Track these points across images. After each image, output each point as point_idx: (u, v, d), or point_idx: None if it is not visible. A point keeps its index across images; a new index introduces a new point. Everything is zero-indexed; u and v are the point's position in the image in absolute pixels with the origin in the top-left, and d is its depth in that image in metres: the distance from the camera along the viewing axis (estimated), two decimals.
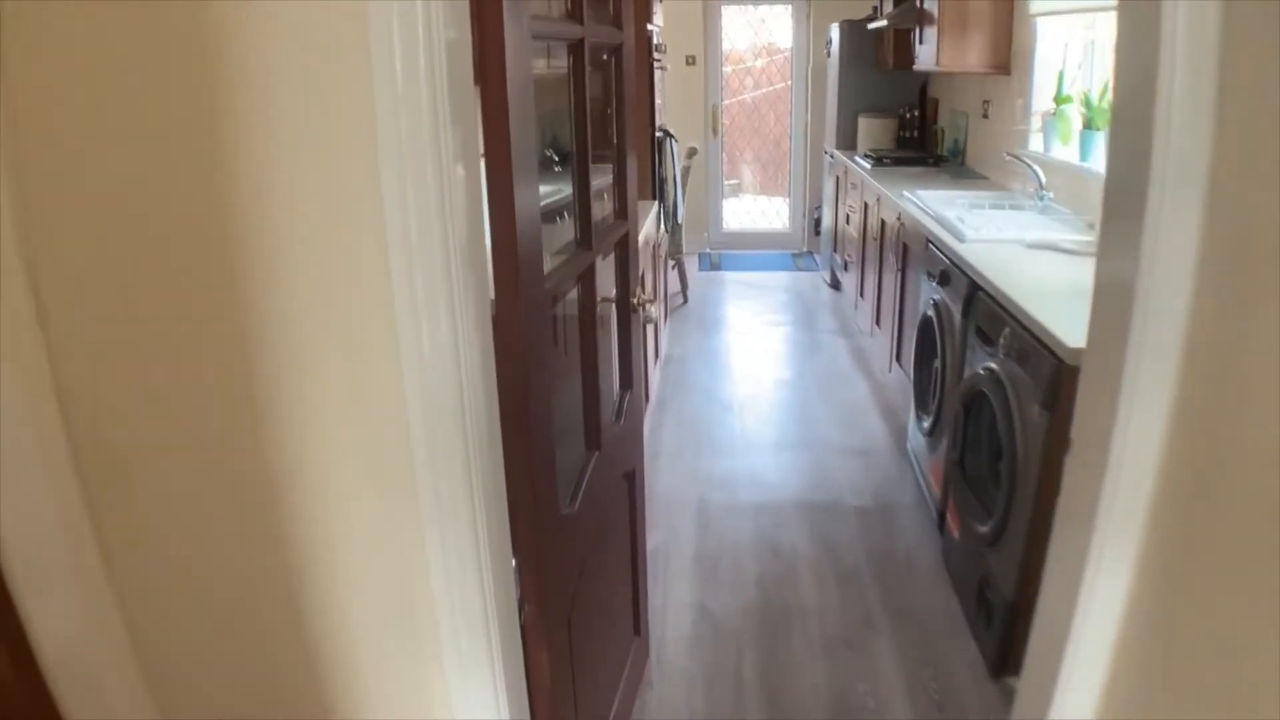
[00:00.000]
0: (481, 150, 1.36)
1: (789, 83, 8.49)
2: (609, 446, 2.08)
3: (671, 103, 7.17)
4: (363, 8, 1.13)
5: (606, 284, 2.21)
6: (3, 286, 1.18)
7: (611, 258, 2.21)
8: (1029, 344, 2.53)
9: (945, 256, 3.49)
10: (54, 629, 1.24)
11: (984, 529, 2.81)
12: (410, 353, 1.27)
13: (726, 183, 8.83)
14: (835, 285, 7.06)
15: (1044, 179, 4.15)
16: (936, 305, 3.52)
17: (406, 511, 1.37)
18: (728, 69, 8.54)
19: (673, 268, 6.60)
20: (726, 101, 8.57)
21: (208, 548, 1.41)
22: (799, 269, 8.05)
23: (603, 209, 2.16)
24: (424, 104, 1.17)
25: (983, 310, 2.98)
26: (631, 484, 2.36)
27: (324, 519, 1.39)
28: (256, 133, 1.20)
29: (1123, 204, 1.40)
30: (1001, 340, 2.74)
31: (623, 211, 2.18)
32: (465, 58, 1.24)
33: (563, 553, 1.76)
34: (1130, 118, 1.37)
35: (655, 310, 4.29)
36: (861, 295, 5.73)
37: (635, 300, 2.25)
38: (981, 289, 3.02)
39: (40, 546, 1.23)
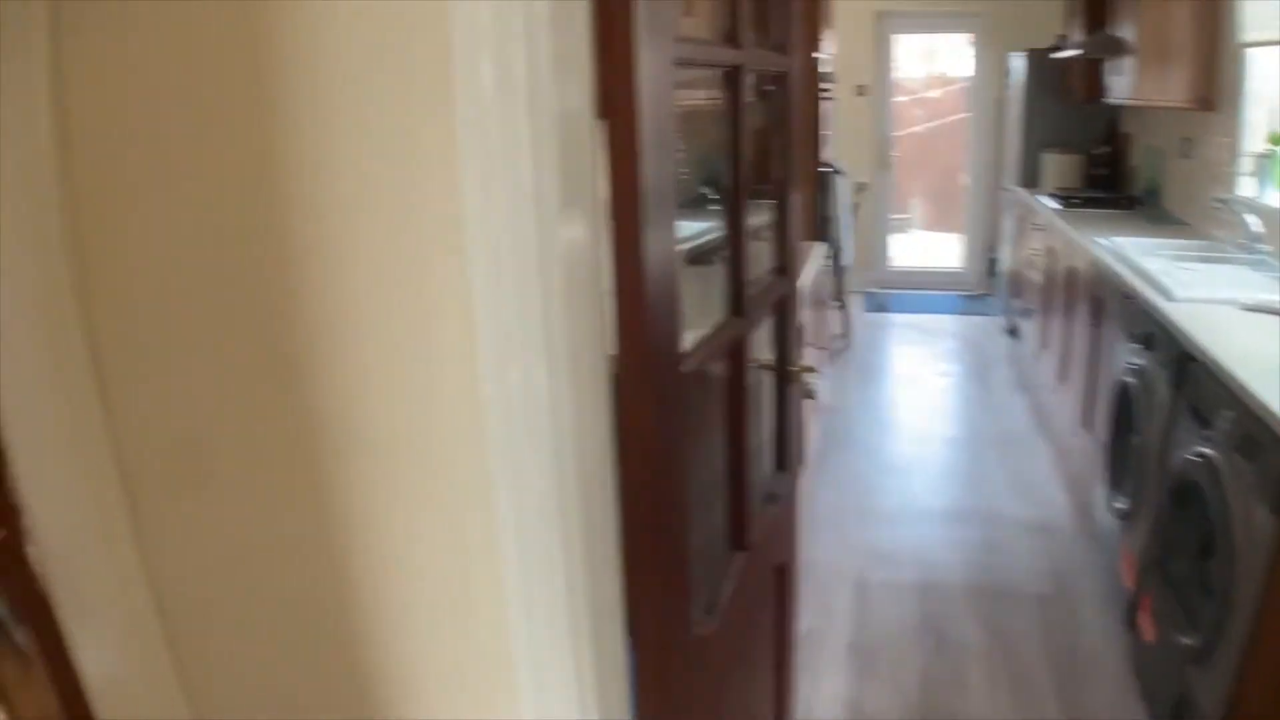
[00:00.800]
0: (606, 198, 1.10)
1: (964, 114, 8.02)
2: (758, 542, 1.77)
3: (839, 135, 6.82)
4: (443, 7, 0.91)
5: (760, 345, 1.92)
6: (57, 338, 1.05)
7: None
8: (1257, 433, 2.10)
9: (1149, 316, 3.04)
10: (98, 658, 1.12)
11: (1188, 641, 2.38)
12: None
13: (895, 218, 8.39)
14: (1013, 333, 6.53)
15: (1259, 229, 3.63)
16: (1138, 372, 3.06)
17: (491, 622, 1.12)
18: (899, 99, 8.14)
19: (838, 308, 6.24)
20: (897, 134, 8.15)
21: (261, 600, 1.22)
22: (972, 313, 7.50)
23: (762, 260, 1.87)
24: (524, 146, 0.91)
25: (1198, 385, 2.54)
26: (782, 580, 2.02)
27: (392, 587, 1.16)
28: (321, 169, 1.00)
29: None
30: (1220, 423, 2.31)
31: (783, 268, 1.87)
32: (581, 85, 0.98)
33: (695, 682, 1.46)
34: None
35: (817, 382, 3.94)
36: (1044, 346, 5.21)
37: (794, 369, 1.93)
38: (1197, 359, 2.57)
39: (84, 573, 1.11)
